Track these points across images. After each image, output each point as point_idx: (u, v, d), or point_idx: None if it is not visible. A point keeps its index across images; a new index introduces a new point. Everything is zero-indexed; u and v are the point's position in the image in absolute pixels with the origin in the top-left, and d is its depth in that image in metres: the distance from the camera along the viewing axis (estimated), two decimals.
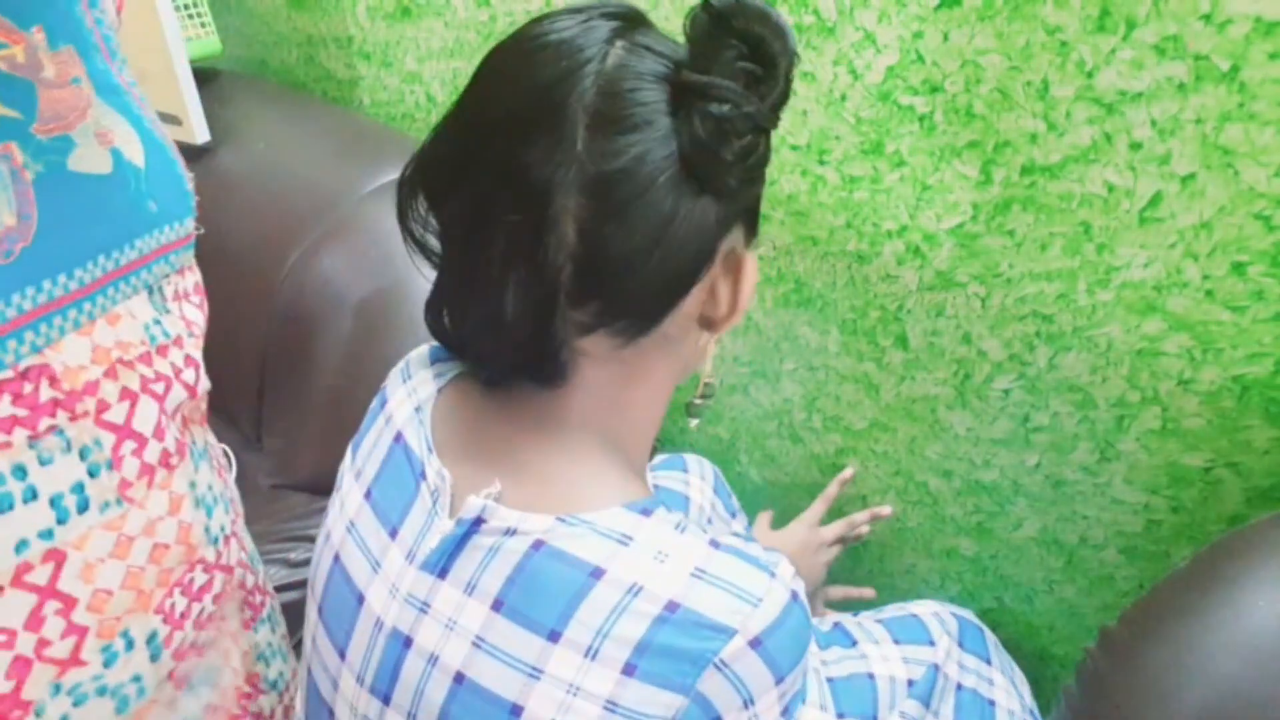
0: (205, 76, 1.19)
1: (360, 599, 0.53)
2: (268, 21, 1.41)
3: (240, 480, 0.75)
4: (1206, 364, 0.76)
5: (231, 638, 0.67)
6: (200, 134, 1.14)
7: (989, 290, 0.86)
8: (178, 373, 0.57)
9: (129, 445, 0.53)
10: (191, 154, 1.18)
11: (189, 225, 0.60)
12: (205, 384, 0.61)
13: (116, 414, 0.52)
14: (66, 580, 0.50)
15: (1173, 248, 0.74)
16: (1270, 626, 0.63)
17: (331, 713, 0.56)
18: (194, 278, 0.63)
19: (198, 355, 0.61)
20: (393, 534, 0.53)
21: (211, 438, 0.66)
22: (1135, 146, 0.72)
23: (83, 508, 0.50)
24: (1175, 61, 0.68)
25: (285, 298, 1.11)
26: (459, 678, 0.48)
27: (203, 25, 1.23)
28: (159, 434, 0.55)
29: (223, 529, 0.62)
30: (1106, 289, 0.78)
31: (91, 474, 0.51)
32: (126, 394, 0.53)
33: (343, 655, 0.54)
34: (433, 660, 0.49)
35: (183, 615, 0.58)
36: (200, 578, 0.60)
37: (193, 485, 0.59)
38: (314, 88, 1.42)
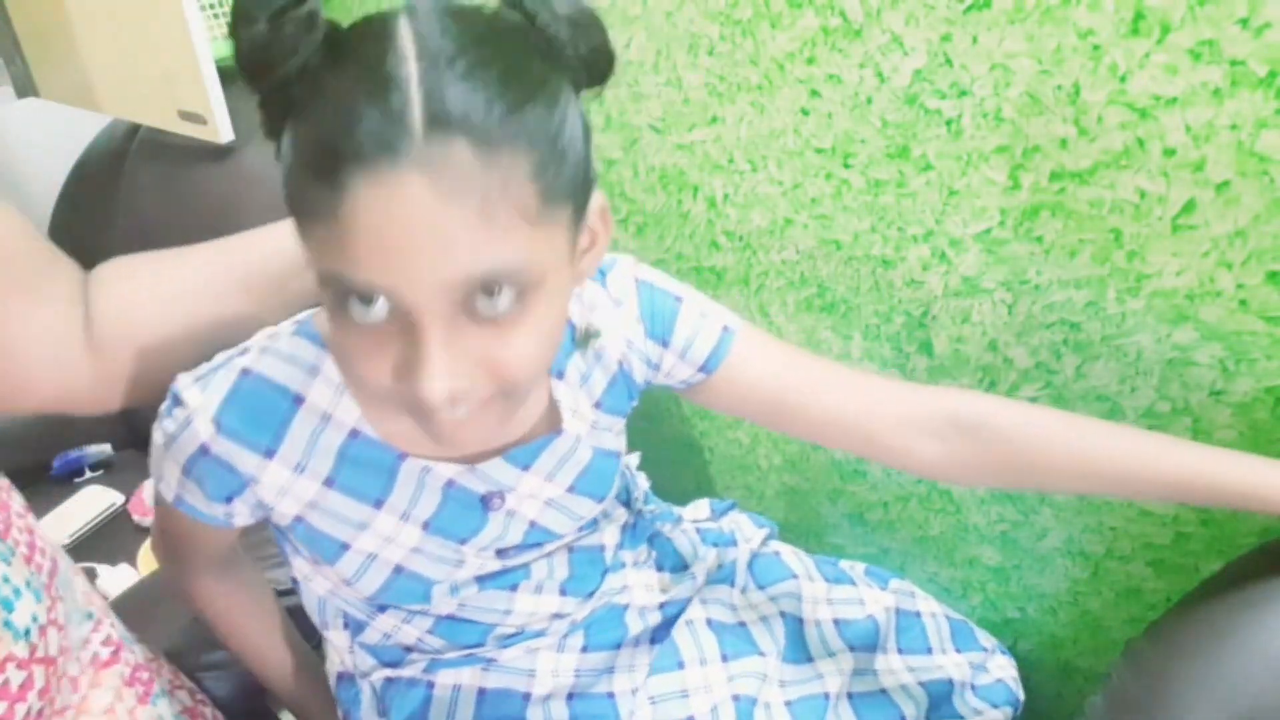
0: (230, 76, 1.20)
1: None
2: None
3: None
4: (1239, 375, 0.75)
5: (129, 715, 0.66)
6: (225, 133, 1.15)
7: (1016, 297, 0.84)
8: None
9: None
10: (216, 153, 1.19)
11: None
12: None
13: None
14: None
15: (1206, 256, 0.72)
16: None
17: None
18: None
19: None
20: None
21: (15, 530, 0.61)
22: (1169, 153, 0.71)
23: None
24: (1211, 66, 0.66)
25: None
26: None
27: (228, 25, 1.24)
28: None
29: (35, 619, 0.57)
30: (1137, 297, 0.77)
31: None
32: None
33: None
34: None
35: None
36: (16, 676, 0.55)
37: None
38: None
